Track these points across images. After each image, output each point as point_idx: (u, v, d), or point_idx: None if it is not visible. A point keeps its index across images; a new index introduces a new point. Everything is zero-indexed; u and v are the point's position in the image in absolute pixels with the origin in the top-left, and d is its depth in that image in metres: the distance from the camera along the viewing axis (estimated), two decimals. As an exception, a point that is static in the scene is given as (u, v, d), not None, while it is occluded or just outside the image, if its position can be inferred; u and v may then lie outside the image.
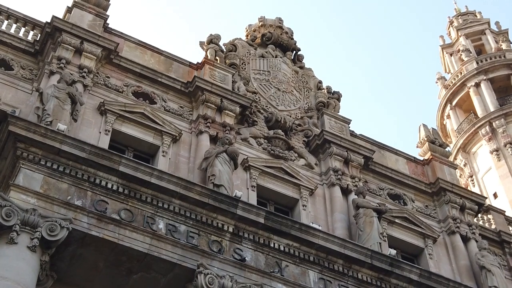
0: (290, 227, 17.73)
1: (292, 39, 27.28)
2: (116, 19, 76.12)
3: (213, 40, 24.74)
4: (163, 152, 19.94)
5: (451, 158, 45.35)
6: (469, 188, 43.10)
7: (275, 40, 26.68)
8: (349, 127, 24.97)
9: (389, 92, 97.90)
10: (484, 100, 45.90)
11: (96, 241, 15.44)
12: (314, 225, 18.61)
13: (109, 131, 19.46)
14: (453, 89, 48.45)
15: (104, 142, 19.00)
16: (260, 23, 27.41)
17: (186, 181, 17.15)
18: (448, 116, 48.91)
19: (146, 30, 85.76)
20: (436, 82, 51.99)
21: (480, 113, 45.32)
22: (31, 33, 21.74)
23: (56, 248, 15.03)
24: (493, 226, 26.48)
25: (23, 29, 21.71)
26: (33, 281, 14.17)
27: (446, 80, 50.84)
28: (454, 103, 48.61)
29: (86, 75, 20.04)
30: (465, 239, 23.40)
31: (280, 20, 27.71)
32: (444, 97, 49.19)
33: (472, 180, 43.90)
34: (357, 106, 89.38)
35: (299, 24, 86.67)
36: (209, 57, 23.83)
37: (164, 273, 16.10)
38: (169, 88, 21.89)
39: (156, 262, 15.90)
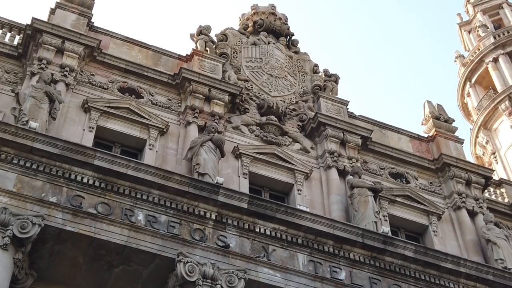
0: (275, 211, 17.32)
1: (286, 24, 26.84)
2: (105, 17, 75.51)
3: (202, 31, 24.47)
4: (149, 145, 19.76)
5: (472, 136, 44.54)
6: (492, 166, 42.10)
7: (267, 26, 26.31)
8: (348, 108, 24.48)
9: (409, 74, 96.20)
10: (503, 74, 44.60)
11: (72, 236, 15.30)
12: (301, 207, 18.19)
13: (93, 128, 19.36)
14: (471, 66, 47.22)
15: (88, 139, 18.91)
16: (253, 11, 27.11)
17: (164, 170, 16.92)
18: (468, 94, 47.71)
19: (137, 26, 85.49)
20: (455, 61, 50.88)
21: (499, 88, 44.07)
22: (17, 37, 21.81)
23: (32, 246, 14.97)
24: (506, 200, 25.73)
25: (8, 34, 21.78)
26: (5, 279, 14.10)
27: (465, 58, 49.68)
28: (473, 80, 47.37)
29: (68, 74, 19.96)
30: (472, 214, 22.71)
31: (273, 6, 27.35)
32: (463, 75, 48.03)
33: (495, 157, 42.75)
34: (374, 89, 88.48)
35: (296, 7, 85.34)
36: (199, 48, 23.59)
37: (145, 265, 15.88)
38: (156, 82, 21.72)
39: (135, 254, 15.69)
